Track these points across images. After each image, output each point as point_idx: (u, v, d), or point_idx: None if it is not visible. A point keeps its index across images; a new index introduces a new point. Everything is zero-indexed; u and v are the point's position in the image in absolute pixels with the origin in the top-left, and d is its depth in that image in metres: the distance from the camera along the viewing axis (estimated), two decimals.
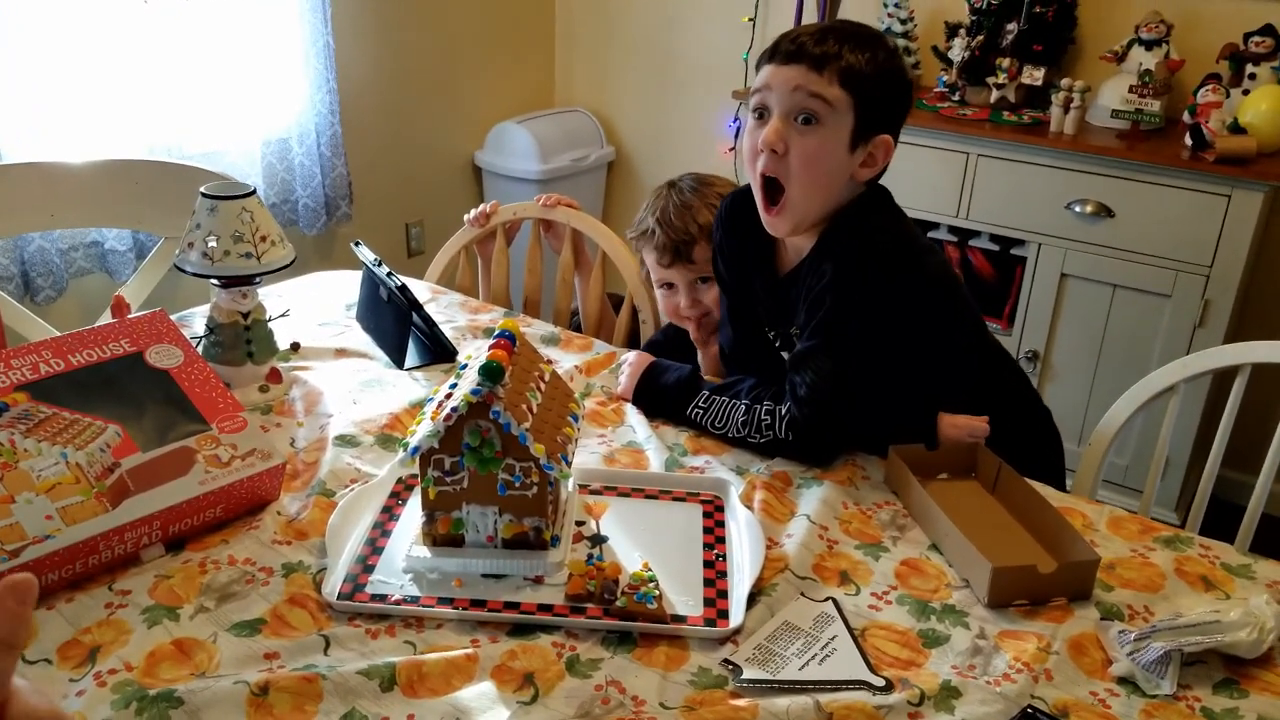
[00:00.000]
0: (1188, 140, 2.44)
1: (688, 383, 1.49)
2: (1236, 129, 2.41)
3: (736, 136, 3.41)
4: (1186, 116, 2.54)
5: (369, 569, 1.14)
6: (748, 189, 1.57)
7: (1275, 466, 1.52)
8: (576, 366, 1.65)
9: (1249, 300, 2.73)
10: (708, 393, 1.46)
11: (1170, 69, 2.63)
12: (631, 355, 1.59)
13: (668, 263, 1.75)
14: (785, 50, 1.36)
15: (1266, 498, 1.53)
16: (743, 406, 1.42)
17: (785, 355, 1.53)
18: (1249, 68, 2.56)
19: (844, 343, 1.36)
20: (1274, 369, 1.54)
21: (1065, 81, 2.60)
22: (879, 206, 1.45)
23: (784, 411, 1.38)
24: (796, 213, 1.40)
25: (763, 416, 1.40)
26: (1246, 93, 2.52)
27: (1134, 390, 1.60)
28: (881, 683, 1.00)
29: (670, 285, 1.78)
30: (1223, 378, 1.58)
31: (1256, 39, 2.55)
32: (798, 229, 1.43)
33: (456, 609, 1.07)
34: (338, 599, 1.07)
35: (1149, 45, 2.64)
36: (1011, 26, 2.78)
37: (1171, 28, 2.63)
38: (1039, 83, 2.76)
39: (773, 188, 1.40)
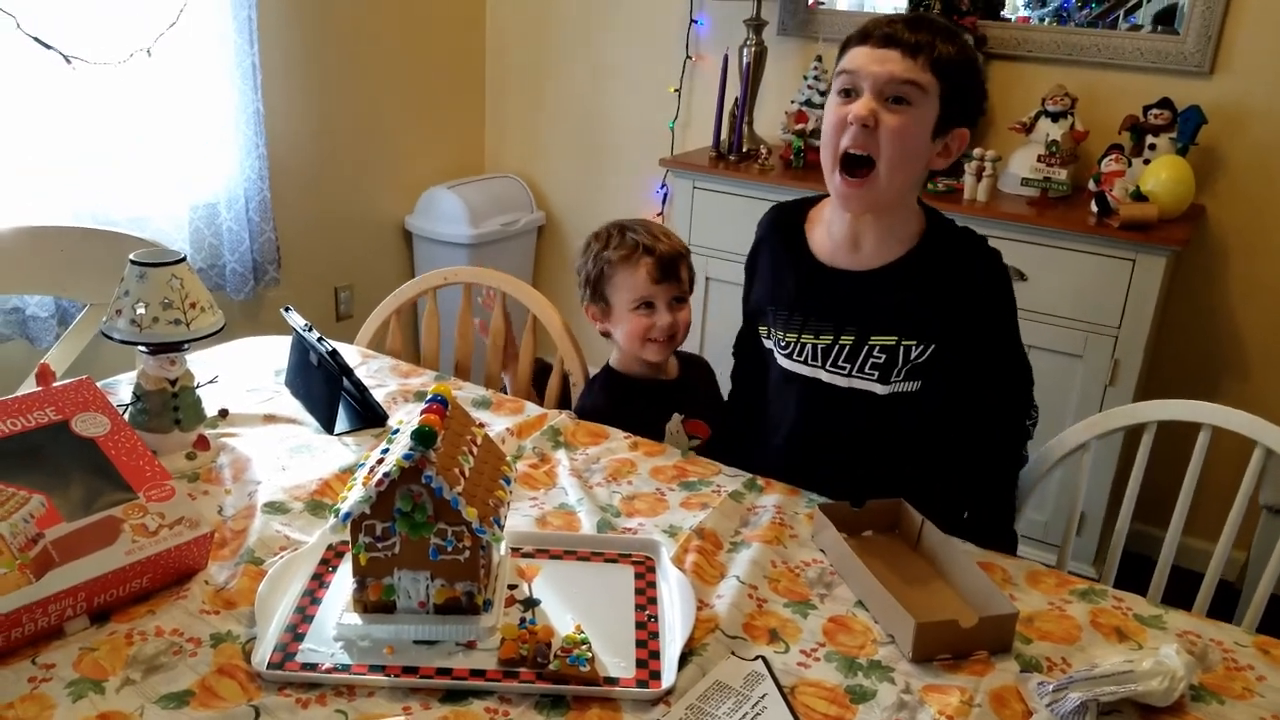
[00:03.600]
0: (1093, 207, 2.55)
1: None
2: (1139, 197, 2.53)
3: (664, 202, 3.48)
4: (1092, 185, 2.66)
5: (299, 637, 1.13)
6: (791, 204, 1.65)
7: (1184, 520, 1.59)
8: (508, 429, 1.66)
9: (1157, 359, 2.84)
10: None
11: (1075, 139, 2.76)
12: None
13: (659, 278, 1.75)
14: (880, 34, 1.42)
15: (1176, 550, 1.59)
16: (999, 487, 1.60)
17: (813, 364, 1.57)
18: (1149, 139, 2.69)
19: (1019, 345, 1.55)
20: (1189, 426, 1.60)
21: (977, 151, 2.71)
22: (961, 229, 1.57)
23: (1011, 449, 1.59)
24: (879, 188, 1.44)
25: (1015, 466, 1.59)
26: (1147, 162, 2.65)
27: (1046, 449, 1.66)
28: None
29: (649, 305, 1.77)
30: (1136, 434, 1.65)
31: (1155, 111, 2.69)
32: (872, 207, 1.47)
33: (388, 676, 1.07)
34: (267, 668, 1.06)
35: (1055, 117, 2.77)
36: None
37: (1075, 100, 2.77)
38: None
39: (853, 165, 1.44)
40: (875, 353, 1.51)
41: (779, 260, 1.62)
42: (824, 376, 1.56)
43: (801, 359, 1.58)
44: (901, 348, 1.51)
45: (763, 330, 1.66)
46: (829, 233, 1.57)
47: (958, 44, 1.44)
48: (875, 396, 1.54)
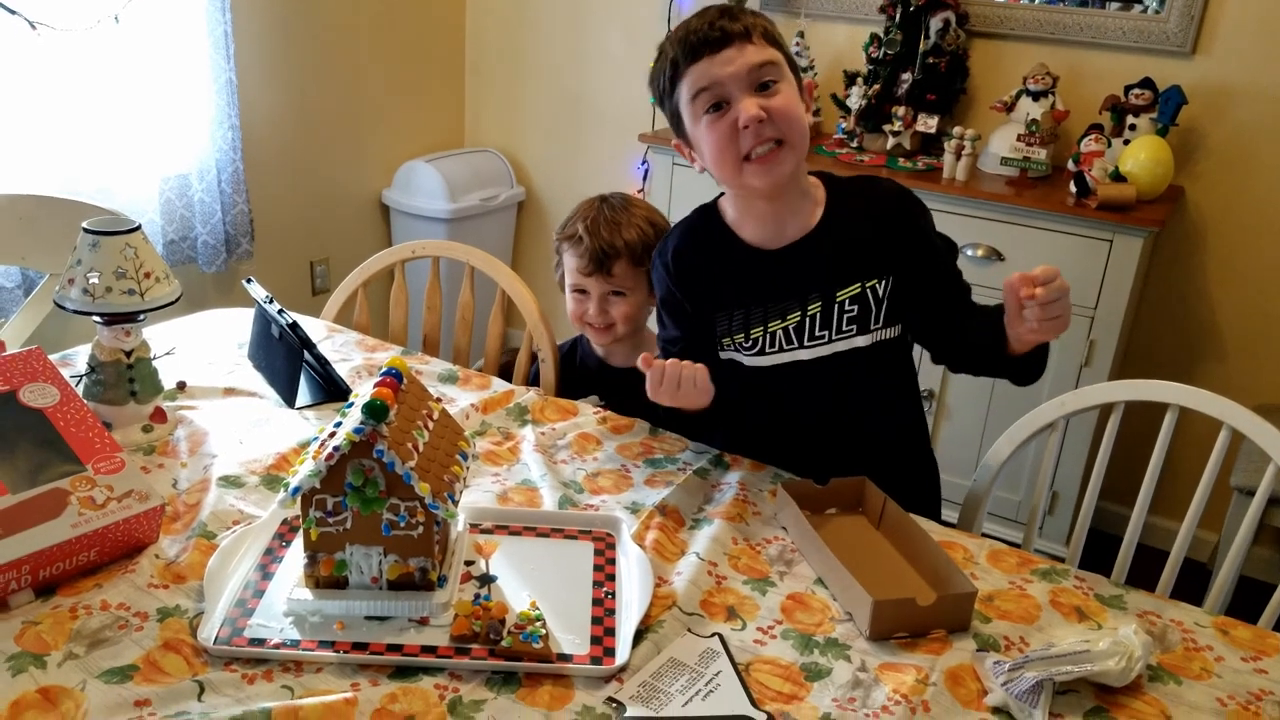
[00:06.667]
0: (1072, 187, 2.54)
1: None
2: (1118, 177, 2.52)
3: (645, 179, 3.45)
4: (1071, 165, 2.65)
5: (249, 613, 1.11)
6: (690, 220, 1.63)
7: (1149, 501, 1.59)
8: (473, 404, 1.64)
9: (1133, 340, 2.84)
10: None
11: (1056, 119, 2.75)
12: None
13: (588, 271, 1.78)
14: (709, 41, 1.41)
15: (1152, 531, 1.58)
16: None
17: (789, 348, 1.53)
18: (1129, 119, 2.68)
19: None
20: (1161, 406, 1.59)
21: (957, 130, 2.69)
22: None
23: None
24: (790, 158, 1.45)
25: None
26: (1127, 143, 2.64)
27: (1015, 428, 1.65)
28: (763, 717, 1.02)
29: (583, 291, 1.82)
30: (1109, 414, 1.64)
31: (1136, 91, 2.67)
32: (789, 176, 1.47)
33: (337, 652, 1.05)
34: (214, 643, 1.05)
35: (1036, 96, 2.75)
36: (906, 76, 2.88)
37: (1057, 80, 2.75)
38: (933, 130, 2.85)
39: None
40: (846, 306, 1.51)
41: (712, 269, 1.58)
42: (803, 355, 1.54)
43: (775, 349, 1.55)
44: (867, 290, 1.50)
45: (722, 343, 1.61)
46: (752, 226, 1.57)
47: (759, 13, 1.48)
48: (860, 352, 1.52)
